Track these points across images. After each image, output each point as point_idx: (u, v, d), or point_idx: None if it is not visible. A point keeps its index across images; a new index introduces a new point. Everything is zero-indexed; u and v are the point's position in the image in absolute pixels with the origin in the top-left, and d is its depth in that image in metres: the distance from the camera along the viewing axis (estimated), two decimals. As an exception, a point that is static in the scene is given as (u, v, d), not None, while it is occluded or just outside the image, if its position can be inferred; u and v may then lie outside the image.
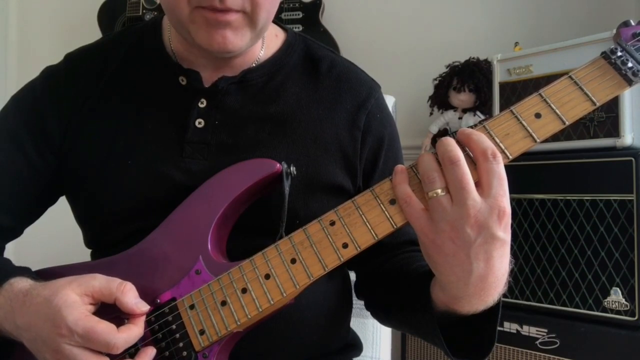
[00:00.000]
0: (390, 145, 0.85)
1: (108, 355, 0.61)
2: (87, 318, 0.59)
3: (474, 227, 0.54)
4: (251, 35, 0.72)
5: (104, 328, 0.59)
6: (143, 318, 0.63)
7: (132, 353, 0.64)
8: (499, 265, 0.57)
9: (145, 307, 0.63)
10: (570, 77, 0.61)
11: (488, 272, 0.56)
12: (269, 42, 0.83)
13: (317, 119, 0.80)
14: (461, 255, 0.56)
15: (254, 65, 0.81)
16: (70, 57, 0.85)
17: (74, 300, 0.60)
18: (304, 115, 0.79)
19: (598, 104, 0.60)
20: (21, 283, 0.66)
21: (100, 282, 0.62)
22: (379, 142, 0.83)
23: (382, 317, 0.85)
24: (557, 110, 0.59)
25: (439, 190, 0.56)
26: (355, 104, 0.82)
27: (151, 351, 0.63)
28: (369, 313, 0.88)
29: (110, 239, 0.78)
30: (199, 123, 0.77)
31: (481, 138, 0.57)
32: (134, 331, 0.61)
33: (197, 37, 0.70)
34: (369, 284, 0.86)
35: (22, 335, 0.63)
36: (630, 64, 0.60)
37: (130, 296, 0.62)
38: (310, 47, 0.86)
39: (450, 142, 0.57)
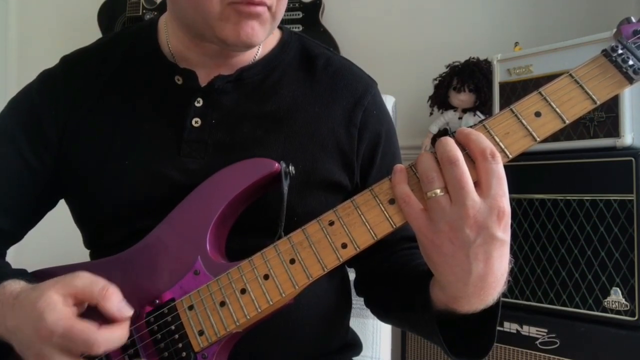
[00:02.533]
0: (388, 141, 0.85)
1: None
2: (67, 318, 0.58)
3: (473, 228, 0.54)
4: (270, 29, 0.74)
5: (84, 326, 0.57)
6: (127, 321, 0.62)
7: (132, 354, 0.64)
8: (499, 265, 0.57)
9: (128, 312, 0.61)
10: (570, 75, 0.60)
11: (487, 272, 0.56)
12: (266, 40, 0.83)
13: (313, 116, 0.80)
14: (460, 256, 0.56)
15: (250, 63, 0.81)
16: (66, 60, 0.85)
17: (57, 301, 0.58)
18: (300, 112, 0.79)
19: (598, 103, 0.59)
20: (13, 285, 0.66)
21: (83, 283, 0.60)
22: (375, 138, 0.83)
23: (382, 314, 0.85)
24: (557, 109, 0.59)
25: (438, 190, 0.56)
26: (352, 100, 0.82)
27: None
28: (368, 313, 0.88)
29: (110, 239, 0.78)
30: (196, 122, 0.77)
31: (480, 138, 0.57)
32: (116, 331, 0.59)
33: (224, 32, 0.70)
34: (368, 282, 0.86)
35: (12, 338, 0.63)
36: (631, 62, 0.59)
37: (112, 301, 0.60)
38: (306, 45, 0.86)
39: (449, 142, 0.57)
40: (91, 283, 0.60)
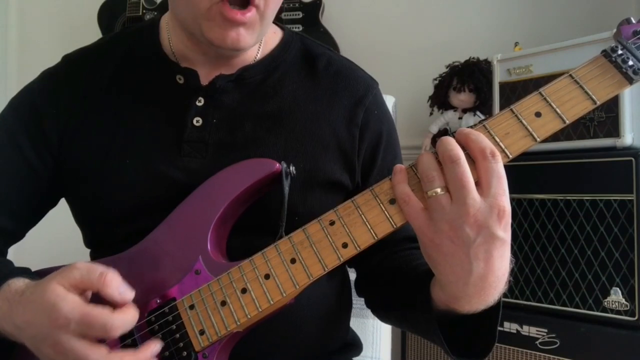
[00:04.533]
0: (389, 141, 0.85)
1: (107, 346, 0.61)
2: (81, 305, 0.58)
3: (473, 227, 0.54)
4: (259, 31, 0.74)
5: (100, 310, 0.58)
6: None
7: (129, 344, 0.64)
8: (499, 265, 0.57)
9: (129, 294, 0.61)
10: (570, 75, 0.60)
11: (488, 272, 0.56)
12: (267, 39, 0.83)
13: (314, 116, 0.80)
14: (460, 255, 0.56)
15: (251, 63, 0.81)
16: (68, 59, 0.85)
17: (64, 292, 0.59)
18: (301, 112, 0.80)
19: (598, 103, 0.59)
20: (18, 283, 0.66)
21: (81, 273, 0.60)
22: (376, 138, 0.83)
23: (382, 314, 0.85)
24: (557, 109, 0.59)
25: (438, 190, 0.56)
26: (353, 100, 0.82)
27: (154, 345, 0.62)
28: (369, 313, 0.88)
29: (110, 239, 0.78)
30: (197, 122, 0.77)
31: (479, 137, 0.57)
32: (130, 312, 0.60)
33: (210, 34, 0.71)
34: (369, 282, 0.86)
35: (22, 334, 0.63)
36: (630, 62, 0.60)
37: (112, 286, 0.60)
38: (308, 45, 0.86)
39: (450, 141, 0.57)
40: (88, 271, 0.60)
